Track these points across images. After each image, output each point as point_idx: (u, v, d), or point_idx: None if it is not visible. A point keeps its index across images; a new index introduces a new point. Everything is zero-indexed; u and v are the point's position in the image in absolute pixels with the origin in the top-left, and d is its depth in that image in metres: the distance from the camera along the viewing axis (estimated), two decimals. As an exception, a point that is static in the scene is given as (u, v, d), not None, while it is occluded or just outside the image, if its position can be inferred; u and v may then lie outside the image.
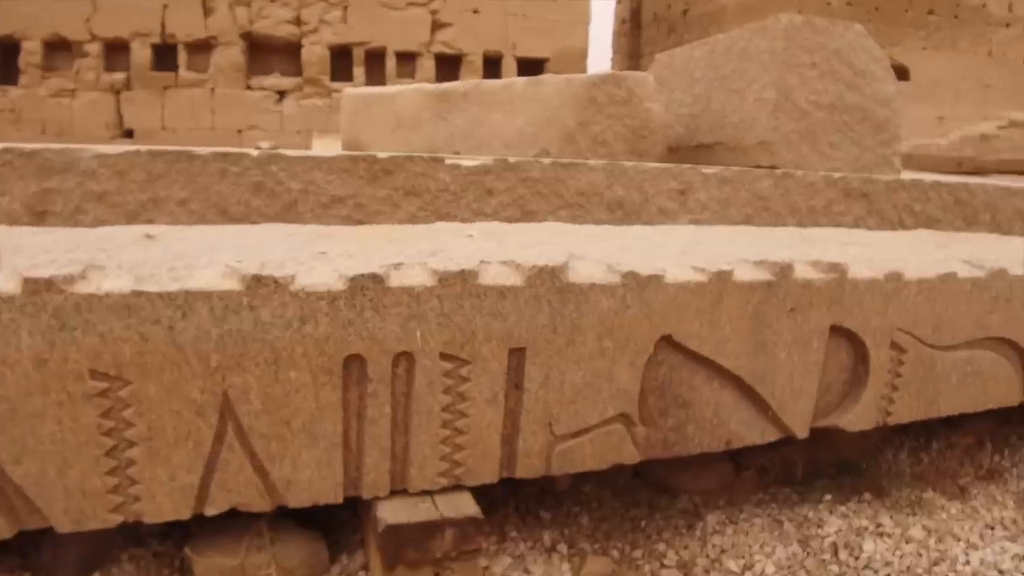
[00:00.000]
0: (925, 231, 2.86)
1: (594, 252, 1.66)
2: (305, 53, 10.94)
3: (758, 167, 5.15)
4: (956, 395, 1.94)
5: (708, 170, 3.36)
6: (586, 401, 1.55)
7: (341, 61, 11.07)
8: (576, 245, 1.77)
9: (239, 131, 10.28)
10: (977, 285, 1.88)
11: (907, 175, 5.18)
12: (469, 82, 5.24)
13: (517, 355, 1.49)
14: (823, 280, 1.68)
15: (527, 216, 2.71)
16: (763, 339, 1.66)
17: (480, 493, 1.55)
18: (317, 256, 1.47)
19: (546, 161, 2.66)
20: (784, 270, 1.63)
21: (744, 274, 1.61)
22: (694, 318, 1.58)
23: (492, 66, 11.87)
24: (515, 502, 1.92)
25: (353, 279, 1.34)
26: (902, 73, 13.83)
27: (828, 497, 2.03)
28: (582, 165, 3.09)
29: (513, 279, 1.44)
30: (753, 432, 1.74)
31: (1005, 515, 2.00)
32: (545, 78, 5.10)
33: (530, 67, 11.59)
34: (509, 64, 11.72)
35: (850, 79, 5.30)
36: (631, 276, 1.50)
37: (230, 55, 10.66)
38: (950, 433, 2.45)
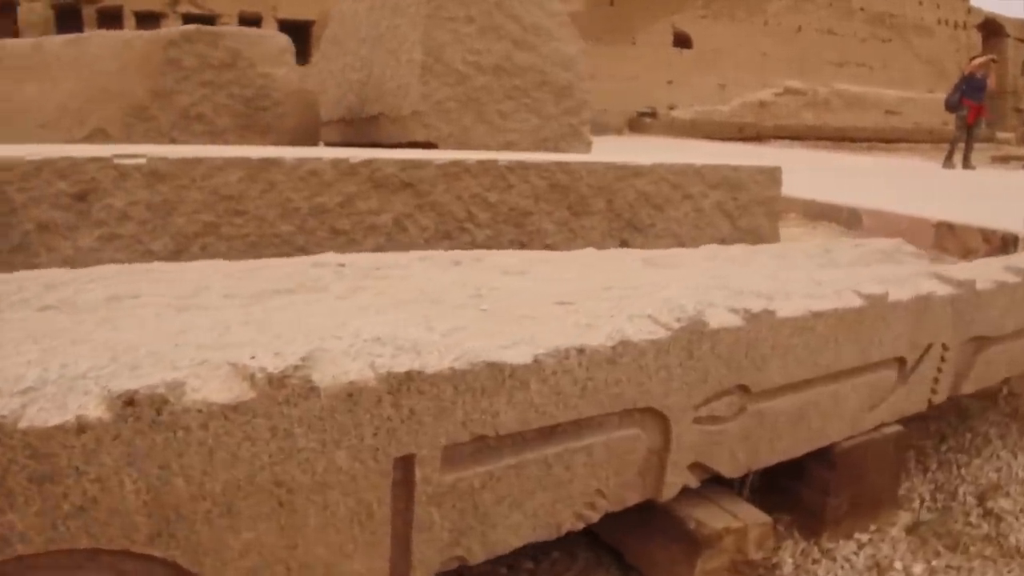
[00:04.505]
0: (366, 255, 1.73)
1: None
2: (23, 12, 8.99)
3: (414, 143, 4.00)
4: None
5: (128, 159, 2.10)
6: None
7: (69, 23, 9.18)
8: None
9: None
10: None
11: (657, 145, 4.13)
12: (-14, 43, 3.79)
13: None
14: None
15: None
16: None
17: None
18: None
19: None
20: None
21: None
22: None
23: (251, 31, 10.26)
24: None
25: None
26: (685, 41, 13.13)
27: None
28: None
29: None
30: None
31: None
32: (93, 35, 3.62)
33: (294, 31, 10.01)
34: (270, 27, 10.12)
35: (519, 36, 4.13)
36: None
37: (-78, 15, 8.62)
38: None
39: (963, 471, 1.99)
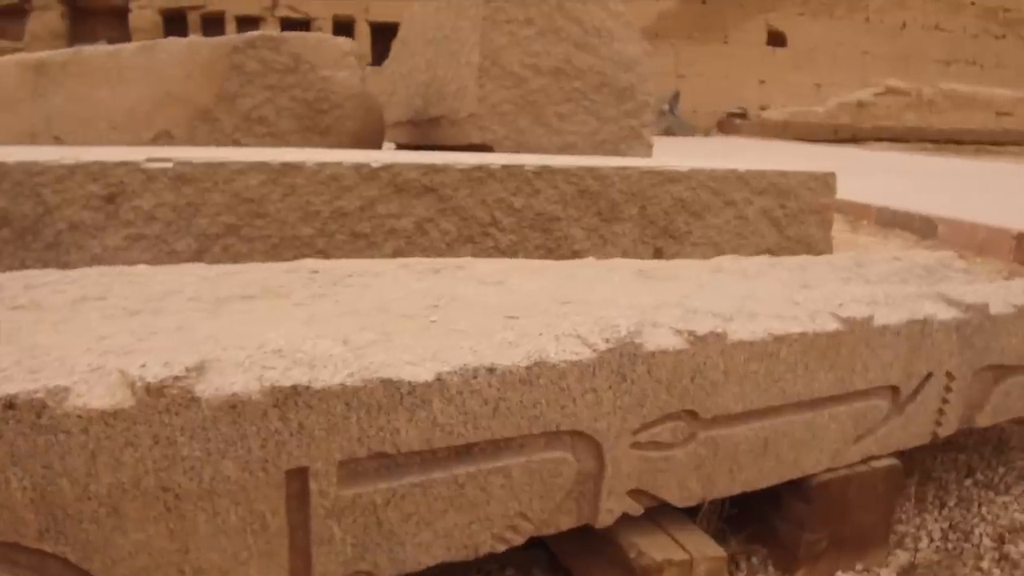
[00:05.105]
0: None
1: None
2: (133, 18, 9.64)
3: (472, 145, 4.05)
4: None
5: (155, 163, 2.24)
6: None
7: (175, 27, 9.77)
8: None
9: (50, 105, 9.01)
10: None
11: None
12: (69, 50, 4.07)
13: None
14: None
15: None
16: None
17: None
18: None
19: None
20: None
21: None
22: None
23: (343, 32, 10.57)
24: None
25: None
26: (779, 39, 12.59)
27: None
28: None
29: None
30: None
31: None
32: (162, 43, 3.88)
33: (386, 33, 10.28)
34: (362, 30, 10.45)
35: (580, 38, 4.12)
36: None
37: (48, 20, 9.37)
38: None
39: (984, 509, 1.83)
